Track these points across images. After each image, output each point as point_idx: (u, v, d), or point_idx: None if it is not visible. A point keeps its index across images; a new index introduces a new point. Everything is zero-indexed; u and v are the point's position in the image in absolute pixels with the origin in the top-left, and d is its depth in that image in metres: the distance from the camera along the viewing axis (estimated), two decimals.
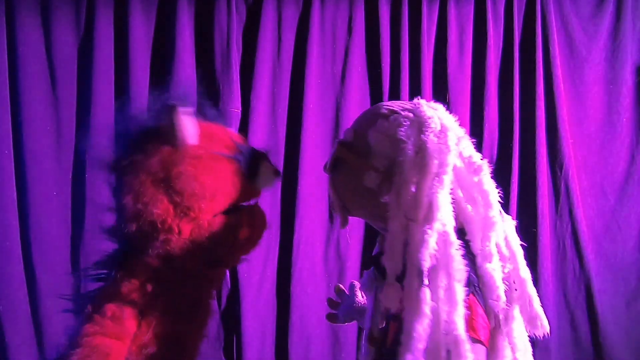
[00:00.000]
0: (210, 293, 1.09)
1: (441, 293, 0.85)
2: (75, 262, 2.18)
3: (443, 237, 0.87)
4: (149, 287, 0.97)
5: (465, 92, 2.41)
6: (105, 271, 1.04)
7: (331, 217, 2.36)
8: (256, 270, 2.28)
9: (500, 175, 2.39)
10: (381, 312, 1.02)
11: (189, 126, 0.98)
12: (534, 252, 2.37)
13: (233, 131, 1.09)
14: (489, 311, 0.90)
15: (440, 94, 2.40)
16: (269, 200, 2.30)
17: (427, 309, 0.83)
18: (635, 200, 2.53)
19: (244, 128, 2.27)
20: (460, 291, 0.85)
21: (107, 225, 1.05)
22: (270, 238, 2.29)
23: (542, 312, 0.95)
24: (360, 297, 1.28)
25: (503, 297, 0.89)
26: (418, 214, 0.88)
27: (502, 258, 0.93)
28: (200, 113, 1.05)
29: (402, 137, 0.92)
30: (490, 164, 1.00)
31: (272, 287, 2.33)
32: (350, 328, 2.35)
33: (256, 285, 2.29)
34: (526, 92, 2.44)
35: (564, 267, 2.48)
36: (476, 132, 2.37)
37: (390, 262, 0.90)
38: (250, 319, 2.27)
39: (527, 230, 2.39)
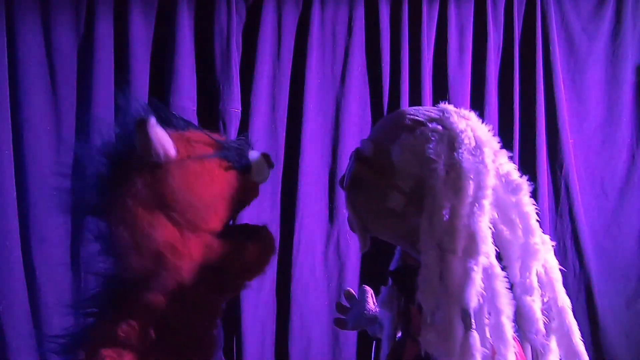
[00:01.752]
0: (215, 323, 1.00)
1: (487, 332, 0.76)
2: (75, 262, 2.18)
3: (488, 270, 0.77)
4: (150, 329, 0.88)
5: (465, 92, 2.41)
6: (97, 308, 0.94)
7: (331, 217, 2.36)
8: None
9: None
10: (395, 334, 0.98)
11: (163, 137, 0.88)
12: None
13: (204, 130, 1.00)
14: (525, 345, 0.83)
15: (440, 94, 2.40)
16: (269, 201, 2.30)
17: (478, 356, 0.74)
18: (635, 200, 2.53)
19: (244, 128, 2.27)
20: (509, 328, 0.76)
21: (99, 270, 0.95)
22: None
23: (582, 347, 0.86)
24: (372, 305, 1.19)
25: (543, 331, 0.81)
26: (455, 244, 0.77)
27: (541, 286, 0.85)
28: (165, 120, 0.96)
29: (431, 156, 0.81)
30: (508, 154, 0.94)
31: (272, 287, 2.33)
32: None
33: (256, 286, 2.28)
34: (526, 92, 2.44)
35: (564, 267, 2.46)
36: None
37: (427, 299, 0.78)
38: (250, 319, 2.27)
39: None
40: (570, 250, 2.48)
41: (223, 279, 0.94)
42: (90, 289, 0.96)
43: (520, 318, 0.81)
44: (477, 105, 2.41)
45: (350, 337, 2.35)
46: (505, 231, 0.84)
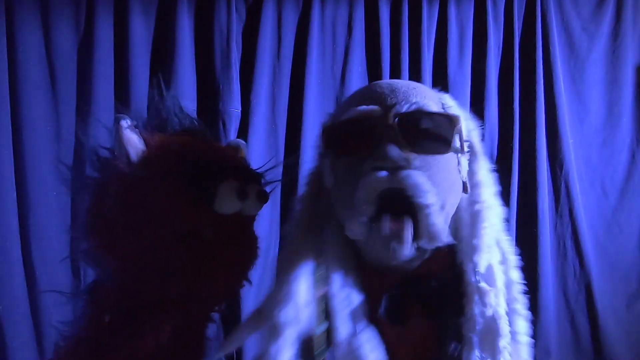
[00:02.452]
0: (195, 332, 0.96)
1: None
2: (75, 262, 2.18)
3: None
4: (111, 320, 0.86)
5: (465, 92, 2.41)
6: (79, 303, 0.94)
7: None
8: (256, 270, 2.27)
9: (500, 175, 2.39)
10: None
11: (131, 142, 0.84)
12: (534, 252, 2.37)
13: (193, 143, 0.92)
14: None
15: None
16: (269, 201, 2.30)
17: None
18: (635, 200, 2.53)
19: (244, 128, 2.26)
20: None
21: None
22: (271, 238, 2.28)
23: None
24: None
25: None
26: None
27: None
28: (163, 124, 0.93)
29: None
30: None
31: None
32: None
33: (256, 286, 2.28)
34: (526, 92, 2.43)
35: (564, 267, 2.48)
36: None
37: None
38: None
39: (527, 230, 2.39)
40: (570, 250, 2.48)
41: (181, 282, 0.88)
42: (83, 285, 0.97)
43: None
44: (477, 105, 2.41)
45: None
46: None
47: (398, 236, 0.79)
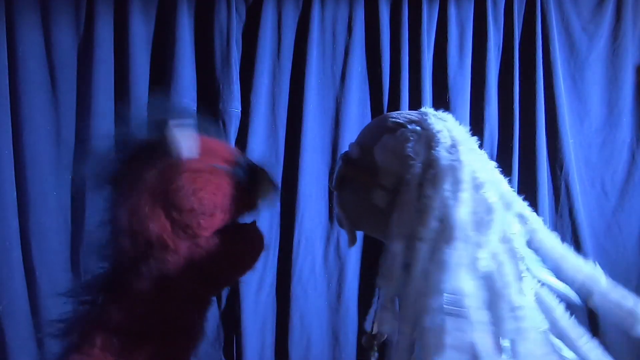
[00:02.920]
0: (203, 315, 1.04)
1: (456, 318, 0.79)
2: (75, 262, 2.18)
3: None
4: (140, 313, 0.92)
5: (465, 92, 2.41)
6: (91, 295, 0.98)
7: (331, 217, 2.36)
8: (256, 270, 2.28)
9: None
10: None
11: (186, 140, 0.95)
12: None
13: (230, 145, 1.07)
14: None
15: (440, 94, 2.40)
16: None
17: (449, 340, 0.77)
18: (635, 200, 2.53)
19: (244, 128, 2.27)
20: (475, 311, 0.80)
21: (98, 243, 1.00)
22: (271, 238, 2.29)
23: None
24: None
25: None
26: (426, 233, 0.83)
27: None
28: (199, 125, 1.02)
29: (410, 154, 0.88)
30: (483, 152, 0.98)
31: (272, 287, 2.33)
32: (350, 328, 2.35)
33: (256, 285, 2.29)
34: (526, 92, 2.43)
35: None
36: (476, 132, 2.35)
37: (387, 284, 0.85)
38: (250, 319, 2.27)
39: None
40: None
41: (210, 275, 0.98)
42: (85, 277, 0.99)
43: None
44: (477, 105, 2.41)
45: (350, 337, 2.35)
46: (469, 227, 0.87)
47: None
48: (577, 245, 2.47)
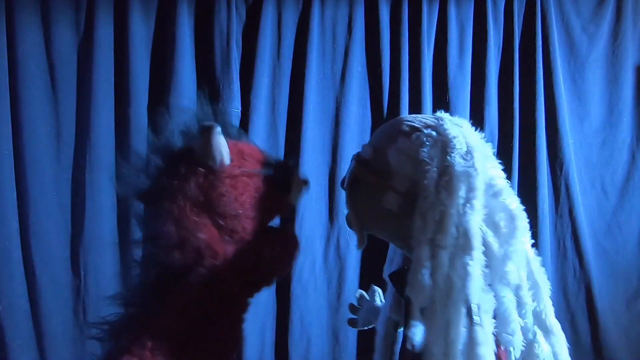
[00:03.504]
0: (243, 317, 1.06)
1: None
2: (75, 262, 2.18)
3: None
4: (190, 318, 0.94)
5: (465, 92, 2.41)
6: (139, 299, 1.00)
7: (331, 217, 2.36)
8: None
9: None
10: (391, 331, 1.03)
11: (220, 146, 0.95)
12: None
13: (256, 145, 1.08)
14: (499, 342, 0.85)
15: (440, 94, 2.40)
16: None
17: (484, 351, 0.78)
18: (635, 200, 2.53)
19: (244, 128, 2.26)
20: (491, 325, 0.81)
21: (139, 257, 1.03)
22: None
23: (566, 351, 0.91)
24: (379, 302, 1.28)
25: (518, 332, 0.85)
26: (446, 241, 0.82)
27: (524, 290, 0.88)
28: (226, 129, 1.02)
29: (425, 159, 0.87)
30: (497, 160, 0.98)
31: (272, 287, 2.33)
32: (350, 328, 2.35)
33: None
34: (526, 92, 2.44)
35: (564, 267, 2.48)
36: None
37: (417, 294, 0.83)
38: (250, 319, 2.27)
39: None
40: (570, 250, 2.48)
41: (253, 278, 1.00)
42: (119, 318, 1.00)
43: (497, 316, 0.85)
44: (477, 105, 2.41)
45: (350, 337, 2.35)
46: (489, 232, 0.87)
47: None
48: (577, 245, 2.47)
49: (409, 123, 0.94)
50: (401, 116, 1.02)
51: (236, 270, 0.96)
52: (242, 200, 0.96)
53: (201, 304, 0.95)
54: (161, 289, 0.96)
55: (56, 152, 2.17)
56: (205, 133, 0.94)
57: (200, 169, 0.96)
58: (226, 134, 1.00)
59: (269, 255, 1.00)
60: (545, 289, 0.92)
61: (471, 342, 0.79)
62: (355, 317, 1.33)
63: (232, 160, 0.98)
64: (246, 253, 0.98)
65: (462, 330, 0.79)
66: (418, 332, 0.82)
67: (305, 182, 1.07)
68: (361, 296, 1.34)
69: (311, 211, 2.32)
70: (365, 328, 1.31)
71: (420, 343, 0.82)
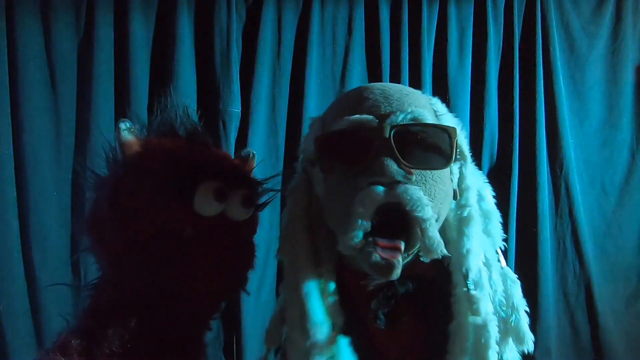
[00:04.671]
0: (202, 327, 0.98)
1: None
2: (75, 262, 2.18)
3: None
4: (106, 319, 0.88)
5: (465, 92, 2.41)
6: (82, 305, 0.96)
7: None
8: (256, 270, 2.27)
9: (501, 175, 2.39)
10: None
11: (126, 143, 0.90)
12: (534, 252, 2.37)
13: (217, 152, 0.98)
14: None
15: (440, 94, 2.40)
16: (270, 206, 2.30)
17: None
18: (635, 200, 2.53)
19: (244, 128, 2.26)
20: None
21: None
22: (271, 238, 2.28)
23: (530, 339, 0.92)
24: None
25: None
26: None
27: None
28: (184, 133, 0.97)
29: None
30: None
31: (272, 287, 2.33)
32: None
33: (256, 285, 2.28)
34: (526, 92, 2.44)
35: (564, 267, 2.48)
36: (476, 132, 2.37)
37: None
38: (250, 319, 2.27)
39: (527, 230, 2.39)
40: (570, 250, 2.48)
41: (168, 280, 0.89)
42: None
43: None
44: (477, 105, 2.41)
45: None
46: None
47: (390, 260, 0.79)
48: (577, 245, 2.47)
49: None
50: None
51: (139, 273, 0.88)
52: (133, 201, 0.86)
53: (116, 307, 0.88)
54: (91, 289, 0.95)
55: (56, 152, 2.17)
56: (115, 129, 0.91)
57: (114, 166, 0.92)
58: (171, 128, 0.95)
59: (180, 262, 0.89)
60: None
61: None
62: None
63: (136, 159, 0.90)
64: (143, 258, 0.88)
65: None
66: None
67: (219, 195, 0.89)
68: None
69: None
70: None
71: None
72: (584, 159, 2.52)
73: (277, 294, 2.39)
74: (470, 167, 0.96)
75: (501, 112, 2.44)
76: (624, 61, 2.53)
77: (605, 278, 2.50)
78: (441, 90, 2.40)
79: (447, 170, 0.87)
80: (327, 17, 2.34)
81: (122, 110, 2.18)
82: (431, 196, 0.83)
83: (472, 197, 0.92)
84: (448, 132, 0.85)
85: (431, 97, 0.96)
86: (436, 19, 2.40)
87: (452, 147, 0.85)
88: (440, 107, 0.94)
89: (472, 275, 0.85)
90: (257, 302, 2.29)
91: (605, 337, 2.45)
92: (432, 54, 2.41)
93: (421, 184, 0.83)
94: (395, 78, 2.35)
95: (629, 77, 2.54)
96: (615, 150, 2.54)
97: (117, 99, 2.19)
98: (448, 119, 0.92)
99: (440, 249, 0.80)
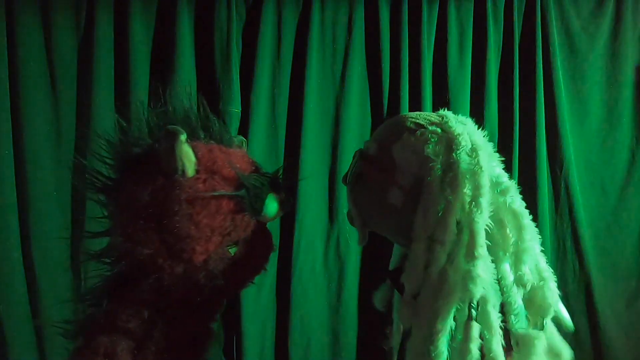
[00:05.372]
0: (210, 321, 1.01)
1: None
2: (75, 262, 2.18)
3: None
4: (145, 320, 0.89)
5: (465, 92, 2.41)
6: (97, 298, 0.96)
7: (331, 217, 2.36)
8: None
9: None
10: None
11: (186, 156, 0.88)
12: None
13: (239, 153, 0.98)
14: (511, 336, 0.86)
15: (440, 94, 2.40)
16: None
17: (474, 346, 0.80)
18: (635, 200, 2.54)
19: (244, 128, 2.26)
20: (495, 316, 0.82)
21: (97, 250, 0.97)
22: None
23: (566, 348, 0.93)
24: None
25: (526, 324, 0.87)
26: (445, 236, 0.84)
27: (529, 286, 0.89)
28: (203, 133, 0.96)
29: (430, 155, 0.87)
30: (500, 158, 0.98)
31: (272, 287, 2.33)
32: (350, 328, 2.35)
33: (256, 285, 2.28)
34: (526, 92, 2.44)
35: (564, 267, 2.48)
36: None
37: (409, 282, 0.86)
38: (250, 319, 2.27)
39: None
40: (570, 250, 2.48)
41: (215, 286, 0.93)
42: (91, 282, 0.98)
43: (508, 313, 0.86)
44: (477, 105, 2.41)
45: (350, 337, 2.35)
46: (494, 229, 0.88)
47: None
48: (577, 245, 2.47)
49: (413, 120, 0.94)
50: (405, 113, 1.02)
51: (190, 284, 0.90)
52: (197, 220, 0.88)
53: (155, 309, 0.90)
54: (116, 290, 0.93)
55: (56, 152, 2.17)
56: (169, 138, 0.86)
57: (158, 176, 0.88)
58: (205, 129, 0.94)
59: (231, 269, 0.93)
60: (552, 283, 0.95)
61: (465, 337, 0.81)
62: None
63: (197, 172, 0.89)
64: (199, 271, 0.90)
65: (451, 323, 0.81)
66: (406, 315, 0.86)
67: (283, 205, 1.01)
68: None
69: (311, 211, 2.32)
70: None
71: (407, 325, 0.86)
72: (584, 159, 2.52)
73: (277, 294, 2.42)
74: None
75: (501, 112, 2.44)
76: (624, 61, 2.53)
77: (605, 278, 2.50)
78: (441, 90, 2.40)
79: (375, 186, 0.97)
80: (327, 17, 2.34)
81: (122, 110, 2.18)
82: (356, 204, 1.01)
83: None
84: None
85: (417, 127, 0.95)
86: (436, 19, 2.40)
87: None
88: (410, 138, 0.94)
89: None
90: (257, 302, 2.29)
91: (605, 337, 2.45)
92: (432, 54, 2.41)
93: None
94: (395, 78, 2.35)
95: (629, 77, 2.54)
96: (615, 150, 2.54)
97: (117, 98, 2.19)
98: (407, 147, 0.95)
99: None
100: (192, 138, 0.95)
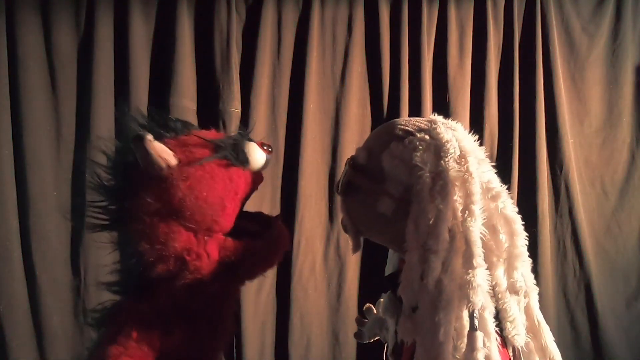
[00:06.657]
0: (232, 307, 1.06)
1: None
2: (75, 262, 2.18)
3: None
4: (174, 309, 0.94)
5: (465, 92, 2.41)
6: (127, 288, 1.00)
7: (331, 217, 2.36)
8: None
9: (500, 175, 2.39)
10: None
11: (161, 150, 0.92)
12: (534, 252, 2.37)
13: (201, 131, 1.03)
14: (508, 343, 0.86)
15: (440, 94, 2.40)
16: (270, 200, 2.30)
17: (481, 356, 0.78)
18: (635, 200, 2.54)
19: (244, 128, 2.26)
20: (491, 322, 0.81)
21: (115, 280, 1.02)
22: None
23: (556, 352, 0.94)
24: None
25: (524, 332, 0.86)
26: (438, 245, 0.82)
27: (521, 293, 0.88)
28: (163, 127, 0.99)
29: (418, 163, 0.86)
30: (490, 163, 0.98)
31: (272, 287, 2.33)
32: (350, 328, 2.35)
33: (256, 285, 2.29)
34: (526, 92, 2.44)
35: (564, 267, 2.48)
36: (476, 132, 2.35)
37: (406, 295, 0.85)
38: (250, 319, 2.27)
39: (527, 230, 2.38)
40: (570, 250, 2.48)
41: (238, 272, 0.99)
42: (110, 305, 1.01)
43: (504, 319, 0.85)
44: (477, 105, 2.41)
45: (350, 337, 2.35)
46: (487, 236, 0.86)
47: None
48: (577, 245, 2.47)
49: (402, 127, 0.94)
50: (396, 119, 1.01)
51: (221, 269, 0.95)
52: (203, 196, 0.93)
53: (185, 298, 0.94)
54: (147, 280, 0.96)
55: (56, 152, 2.17)
56: (138, 144, 0.90)
57: (149, 180, 0.93)
58: (167, 129, 0.98)
59: (255, 251, 0.99)
60: (534, 293, 0.92)
61: (469, 347, 0.79)
62: (362, 329, 1.32)
63: (178, 159, 0.94)
64: (232, 251, 0.97)
65: (453, 333, 0.80)
66: (407, 328, 0.85)
67: (263, 145, 1.03)
68: (368, 308, 1.32)
69: (311, 211, 2.32)
70: (371, 340, 1.30)
71: (408, 338, 0.85)
72: (584, 159, 2.52)
73: (277, 294, 2.42)
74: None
75: (501, 112, 2.45)
76: (624, 61, 2.53)
77: (605, 278, 2.50)
78: (441, 91, 2.41)
79: (365, 195, 0.96)
80: (327, 17, 2.35)
81: (122, 110, 2.18)
82: (348, 213, 1.01)
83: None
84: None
85: (406, 135, 0.95)
86: (436, 19, 2.40)
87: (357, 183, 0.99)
88: (398, 146, 0.94)
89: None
90: (257, 302, 2.30)
91: (605, 337, 2.46)
92: (432, 54, 2.41)
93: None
94: (395, 78, 2.36)
95: (629, 77, 2.54)
96: (615, 150, 2.54)
97: (117, 98, 2.19)
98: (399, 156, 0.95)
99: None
100: (158, 139, 0.99)
